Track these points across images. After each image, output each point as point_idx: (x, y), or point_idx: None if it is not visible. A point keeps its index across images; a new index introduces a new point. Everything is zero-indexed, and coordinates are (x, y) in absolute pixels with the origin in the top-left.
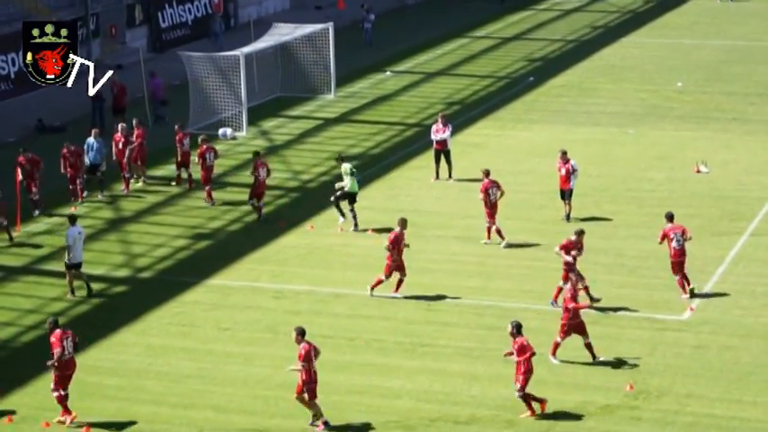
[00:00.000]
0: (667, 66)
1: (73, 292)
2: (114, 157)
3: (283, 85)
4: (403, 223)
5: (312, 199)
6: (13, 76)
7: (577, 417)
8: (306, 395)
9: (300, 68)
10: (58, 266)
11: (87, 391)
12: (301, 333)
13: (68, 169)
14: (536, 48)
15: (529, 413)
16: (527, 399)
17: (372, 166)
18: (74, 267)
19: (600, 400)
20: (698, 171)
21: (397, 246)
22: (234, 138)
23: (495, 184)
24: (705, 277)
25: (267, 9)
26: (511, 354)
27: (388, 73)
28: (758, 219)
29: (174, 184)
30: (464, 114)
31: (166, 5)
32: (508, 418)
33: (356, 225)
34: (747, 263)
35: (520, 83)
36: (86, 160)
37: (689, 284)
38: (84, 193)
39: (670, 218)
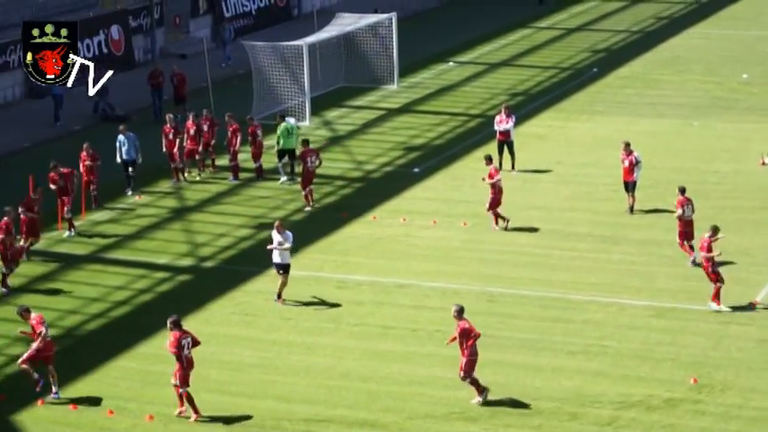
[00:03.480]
0: (733, 57)
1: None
2: (164, 149)
3: (347, 76)
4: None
5: (375, 189)
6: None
7: (641, 410)
8: None
9: (364, 58)
10: (122, 255)
11: (151, 379)
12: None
13: (83, 173)
14: (600, 39)
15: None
16: None
17: (435, 157)
18: (280, 268)
19: (664, 394)
20: (763, 164)
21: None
22: (297, 128)
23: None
24: None
25: None
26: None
27: (451, 63)
28: None
29: (259, 178)
30: (527, 105)
31: None
32: (571, 411)
33: (291, 179)
34: None
35: (584, 74)
36: (119, 157)
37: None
38: (129, 192)
39: (683, 191)
